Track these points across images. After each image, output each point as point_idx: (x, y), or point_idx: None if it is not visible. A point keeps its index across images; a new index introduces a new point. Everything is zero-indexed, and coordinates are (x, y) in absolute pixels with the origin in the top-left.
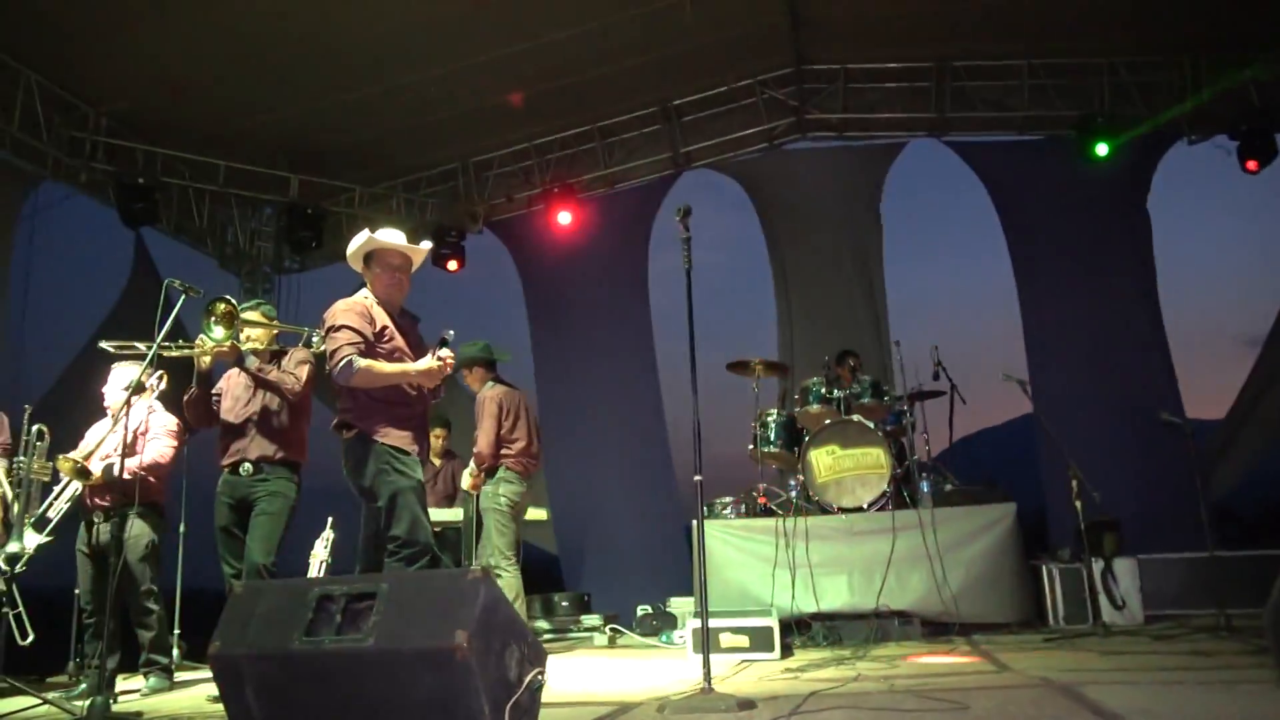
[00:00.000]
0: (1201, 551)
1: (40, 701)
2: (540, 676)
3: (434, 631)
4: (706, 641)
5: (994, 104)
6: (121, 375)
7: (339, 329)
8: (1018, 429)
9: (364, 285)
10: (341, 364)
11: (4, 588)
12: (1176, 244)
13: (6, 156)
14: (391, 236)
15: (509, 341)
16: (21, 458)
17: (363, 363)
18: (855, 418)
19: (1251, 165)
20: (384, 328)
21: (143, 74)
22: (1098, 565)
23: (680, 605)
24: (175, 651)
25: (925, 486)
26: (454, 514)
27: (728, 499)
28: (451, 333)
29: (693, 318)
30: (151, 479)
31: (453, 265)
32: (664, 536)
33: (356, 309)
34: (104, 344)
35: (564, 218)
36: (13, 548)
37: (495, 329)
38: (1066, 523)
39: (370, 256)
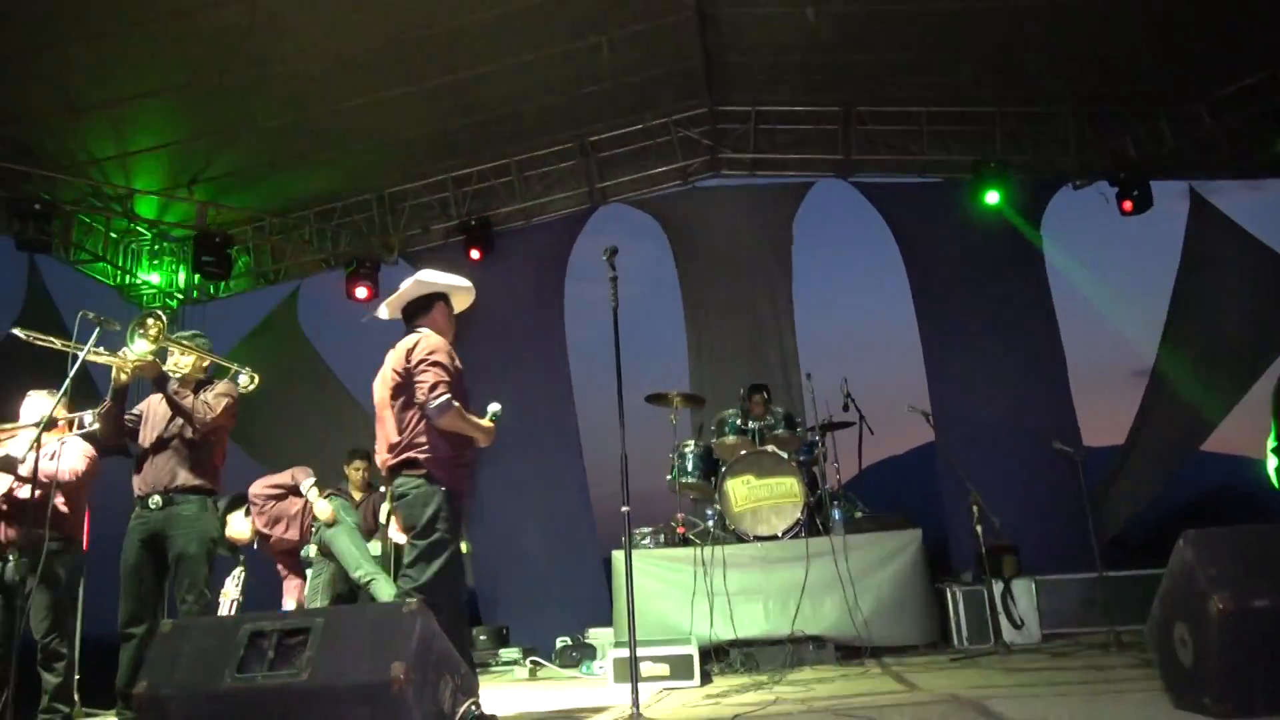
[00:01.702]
0: (1093, 572)
1: None
2: (474, 707)
3: (371, 665)
4: (634, 669)
5: (897, 148)
6: (36, 405)
7: (438, 364)
8: (920, 457)
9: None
10: (443, 399)
11: None
12: (1065, 284)
13: None
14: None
15: None
16: None
17: (456, 404)
18: (770, 448)
19: (1127, 206)
20: (461, 374)
21: (41, 97)
22: (998, 587)
23: (599, 636)
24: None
25: (837, 514)
26: (373, 547)
27: (646, 529)
28: (499, 407)
29: (619, 355)
30: (62, 500)
31: (362, 292)
32: (582, 568)
33: (448, 349)
34: (16, 330)
35: (480, 252)
36: None
37: None
38: (968, 547)
39: (444, 299)
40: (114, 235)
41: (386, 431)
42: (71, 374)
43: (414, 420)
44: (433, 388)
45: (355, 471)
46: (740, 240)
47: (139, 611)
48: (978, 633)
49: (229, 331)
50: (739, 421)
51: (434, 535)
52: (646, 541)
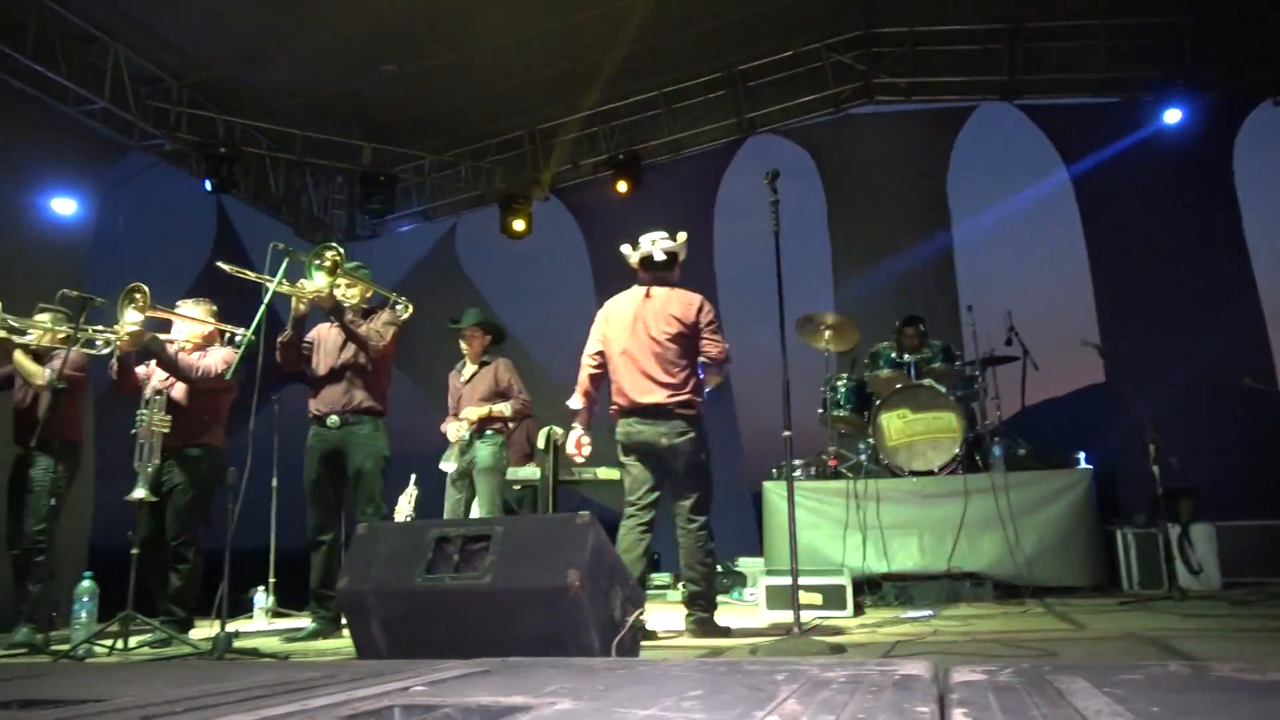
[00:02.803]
0: None
1: (166, 637)
2: (641, 618)
3: (548, 571)
4: (795, 589)
5: (1069, 66)
6: (185, 311)
7: (721, 326)
8: (1086, 398)
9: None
10: (730, 356)
11: (132, 532)
12: (1261, 209)
13: (98, 127)
14: None
15: (575, 308)
16: (143, 411)
17: None
18: (927, 382)
19: None
20: None
21: (221, 46)
22: (1174, 531)
23: (749, 565)
24: (270, 598)
25: (997, 451)
26: (531, 471)
27: (797, 462)
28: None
29: (781, 280)
30: (201, 404)
31: (520, 225)
32: (730, 501)
33: None
34: (221, 264)
35: (629, 185)
36: (138, 494)
37: (561, 295)
38: (1138, 490)
39: (680, 260)
40: (288, 176)
41: (649, 371)
42: (265, 301)
43: (690, 368)
44: (726, 347)
45: None
46: (895, 168)
47: (325, 521)
48: (1149, 577)
49: (392, 267)
50: (893, 355)
51: (708, 464)
52: (798, 474)
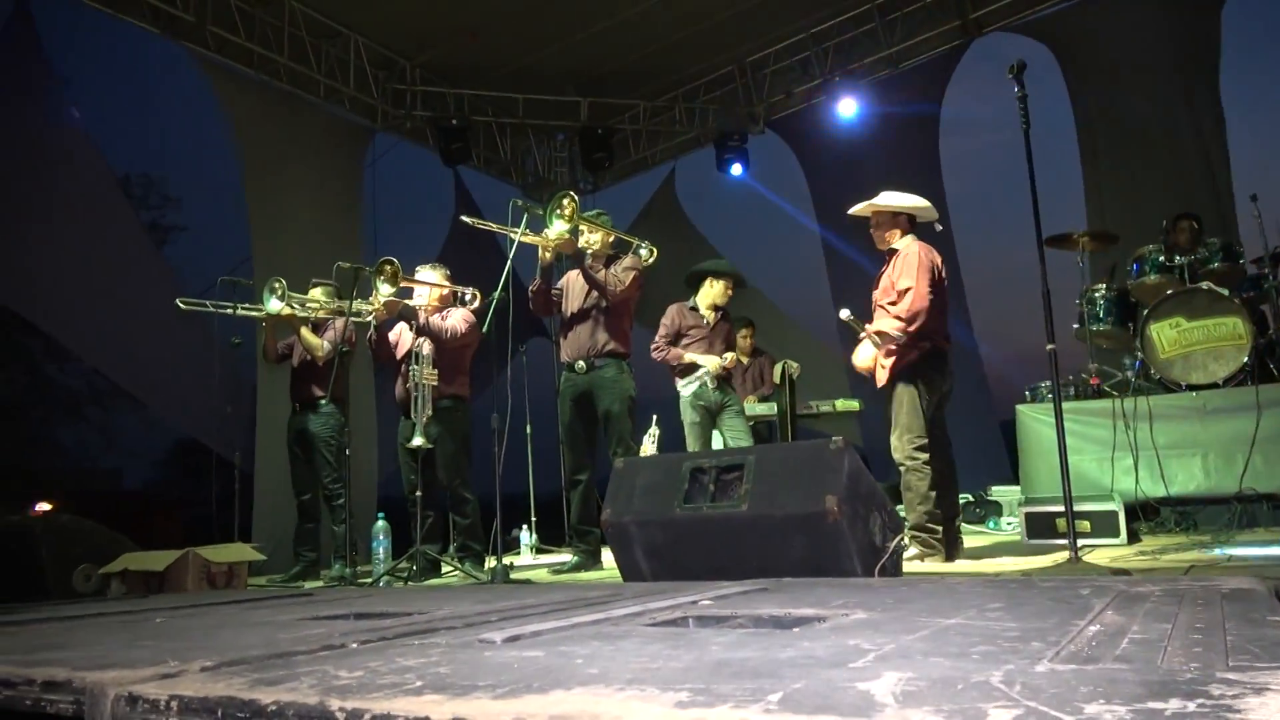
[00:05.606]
0: None
1: (451, 569)
2: (902, 543)
3: (805, 497)
4: (1071, 515)
5: None
6: (423, 276)
7: None
8: None
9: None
10: None
11: (414, 477)
12: None
13: (345, 113)
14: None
15: (798, 240)
16: (414, 367)
17: None
18: (1204, 285)
19: None
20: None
21: (442, 24)
22: None
23: (1003, 493)
24: (533, 535)
25: None
26: (768, 407)
27: (1048, 383)
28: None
29: (1035, 184)
30: (449, 360)
31: (736, 169)
32: (975, 429)
33: None
34: (465, 218)
35: (848, 107)
36: (417, 441)
37: (783, 228)
38: None
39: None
40: (513, 140)
41: None
42: (511, 254)
43: None
44: None
45: (744, 339)
46: (1151, 50)
47: (580, 462)
48: None
49: (618, 215)
50: (1161, 258)
51: None
52: (1052, 395)
